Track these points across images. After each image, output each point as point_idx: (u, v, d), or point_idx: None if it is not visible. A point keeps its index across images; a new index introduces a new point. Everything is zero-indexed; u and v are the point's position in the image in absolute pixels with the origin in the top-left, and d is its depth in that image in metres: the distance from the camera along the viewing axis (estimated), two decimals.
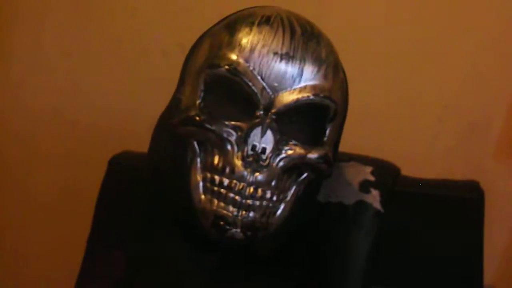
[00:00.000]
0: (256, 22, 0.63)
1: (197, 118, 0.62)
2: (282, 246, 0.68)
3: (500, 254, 1.05)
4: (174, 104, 0.66)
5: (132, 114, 1.21)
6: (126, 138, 1.15)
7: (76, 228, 0.92)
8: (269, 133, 0.61)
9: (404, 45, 1.07)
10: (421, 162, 1.03)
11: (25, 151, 1.31)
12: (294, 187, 0.64)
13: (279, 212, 0.63)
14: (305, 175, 0.64)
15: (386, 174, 0.75)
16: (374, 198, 0.72)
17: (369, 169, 0.74)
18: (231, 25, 0.64)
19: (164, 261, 0.73)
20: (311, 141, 0.64)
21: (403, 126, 1.08)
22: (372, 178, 0.73)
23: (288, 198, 0.63)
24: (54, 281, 1.18)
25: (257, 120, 0.61)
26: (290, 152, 0.62)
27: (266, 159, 0.60)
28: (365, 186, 0.72)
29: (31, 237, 1.32)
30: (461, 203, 0.74)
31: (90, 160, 1.14)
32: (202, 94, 0.63)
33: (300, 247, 0.71)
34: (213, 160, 0.62)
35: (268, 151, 0.61)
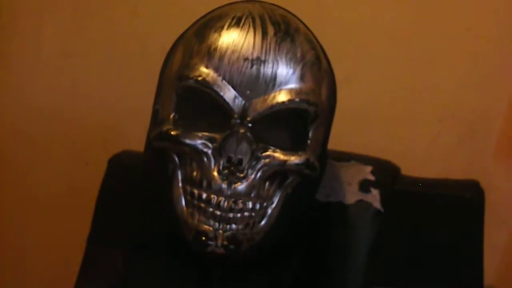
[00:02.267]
0: (226, 26, 0.61)
1: (172, 132, 0.61)
2: (274, 250, 0.67)
3: (500, 254, 1.05)
4: (154, 114, 0.66)
5: (132, 114, 1.21)
6: (126, 138, 1.15)
7: (76, 227, 0.92)
8: (244, 143, 0.59)
9: (404, 44, 1.07)
10: (421, 162, 1.03)
11: (25, 151, 1.31)
12: (280, 192, 0.62)
13: (265, 220, 0.62)
14: (290, 179, 0.62)
15: (386, 173, 0.75)
16: (374, 197, 0.72)
17: (369, 168, 0.74)
18: (201, 31, 0.62)
19: (160, 262, 0.73)
20: (293, 146, 0.62)
21: (403, 126, 1.08)
22: (372, 177, 0.73)
23: (275, 204, 0.62)
24: (54, 281, 1.18)
25: (230, 131, 0.59)
26: (268, 160, 0.60)
27: (243, 170, 0.59)
28: (365, 186, 0.72)
29: (31, 237, 1.32)
30: (461, 203, 0.73)
31: (90, 160, 1.14)
32: (175, 106, 0.62)
33: (299, 247, 0.71)
34: (192, 173, 0.61)
35: (244, 162, 0.59)
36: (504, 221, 1.04)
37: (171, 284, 0.71)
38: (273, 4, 0.65)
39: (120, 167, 0.85)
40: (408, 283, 0.71)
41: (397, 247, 0.72)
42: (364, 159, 0.76)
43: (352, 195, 0.72)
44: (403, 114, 1.08)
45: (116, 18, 1.23)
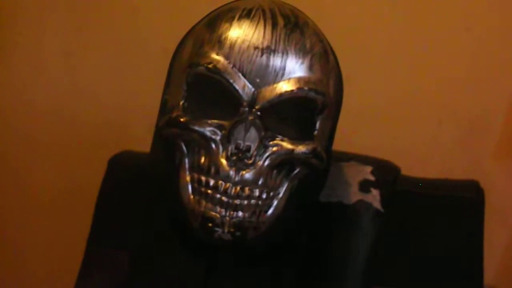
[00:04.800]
0: (237, 17, 0.62)
1: (181, 119, 0.61)
2: (279, 243, 0.67)
3: (500, 254, 1.05)
4: (162, 105, 0.66)
5: (132, 113, 1.22)
6: (126, 138, 1.15)
7: (76, 228, 0.92)
8: (252, 131, 0.59)
9: (404, 44, 1.07)
10: (421, 162, 1.03)
11: (25, 151, 1.31)
12: (286, 183, 0.62)
13: (271, 210, 0.62)
14: (297, 170, 0.62)
15: (386, 173, 0.75)
16: (374, 198, 0.72)
17: (369, 168, 0.74)
18: (212, 22, 0.63)
19: (164, 261, 0.73)
20: (300, 136, 0.62)
21: (403, 126, 1.08)
22: (372, 177, 0.73)
23: (281, 194, 0.62)
24: (54, 281, 1.18)
25: (239, 118, 0.59)
26: (275, 148, 0.60)
27: (251, 157, 0.59)
28: (365, 186, 0.72)
29: (31, 237, 1.32)
30: (461, 203, 0.73)
31: (90, 160, 1.14)
32: (185, 94, 0.62)
33: (299, 246, 0.71)
34: (199, 161, 0.61)
35: (252, 149, 0.59)
36: (504, 221, 1.04)
37: (177, 282, 0.71)
38: (281, 1, 0.66)
39: (120, 167, 0.85)
40: (408, 283, 0.71)
41: (397, 247, 0.72)
42: (364, 159, 0.76)
43: (352, 195, 0.72)
44: (403, 114, 1.08)
45: (117, 18, 1.23)
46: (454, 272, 0.71)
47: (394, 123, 1.09)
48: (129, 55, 1.21)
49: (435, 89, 1.07)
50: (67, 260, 0.93)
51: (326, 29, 0.67)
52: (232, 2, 0.66)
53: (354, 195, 0.72)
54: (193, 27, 0.67)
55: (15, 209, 1.33)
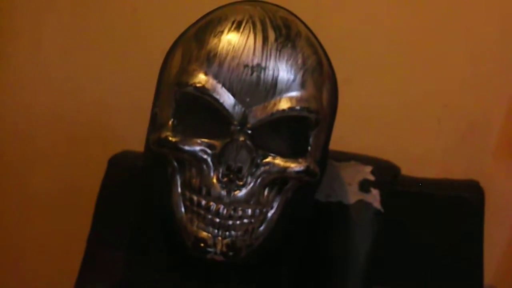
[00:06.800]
0: (226, 31, 0.59)
1: (171, 139, 0.60)
2: (273, 253, 0.67)
3: (500, 254, 1.05)
4: (152, 117, 0.65)
5: (132, 114, 1.21)
6: (126, 137, 1.15)
7: (76, 228, 0.92)
8: (243, 151, 0.58)
9: (404, 44, 1.07)
10: (421, 162, 1.03)
11: (25, 150, 1.31)
12: (279, 198, 0.62)
13: (264, 224, 0.61)
14: (290, 184, 0.62)
15: (386, 173, 0.75)
16: (374, 197, 0.72)
17: (369, 168, 0.74)
18: (200, 35, 0.61)
19: (163, 262, 0.73)
20: (293, 152, 0.61)
21: (403, 126, 1.08)
22: (372, 177, 0.73)
23: (274, 209, 0.62)
24: (53, 281, 1.18)
25: (230, 138, 0.58)
26: (268, 167, 0.59)
27: (242, 178, 0.58)
28: (365, 186, 0.72)
29: (30, 237, 1.32)
30: (461, 203, 0.73)
31: (90, 160, 1.14)
32: (174, 112, 0.61)
33: (299, 247, 0.71)
34: (191, 179, 0.60)
35: (244, 170, 0.58)
36: (504, 221, 1.04)
37: (172, 284, 0.71)
38: (275, 5, 0.65)
39: (120, 167, 0.85)
40: (408, 283, 0.71)
41: (397, 247, 0.72)
42: (364, 159, 0.76)
43: (352, 195, 0.72)
44: (403, 114, 1.08)
45: (116, 18, 1.23)
46: (454, 272, 0.71)
47: (394, 123, 1.09)
48: (129, 55, 1.21)
49: (435, 89, 1.07)
50: (67, 260, 0.93)
51: (325, 31, 0.67)
52: (223, 8, 0.64)
53: (354, 195, 0.72)
54: (182, 35, 0.65)
55: (15, 209, 1.33)
